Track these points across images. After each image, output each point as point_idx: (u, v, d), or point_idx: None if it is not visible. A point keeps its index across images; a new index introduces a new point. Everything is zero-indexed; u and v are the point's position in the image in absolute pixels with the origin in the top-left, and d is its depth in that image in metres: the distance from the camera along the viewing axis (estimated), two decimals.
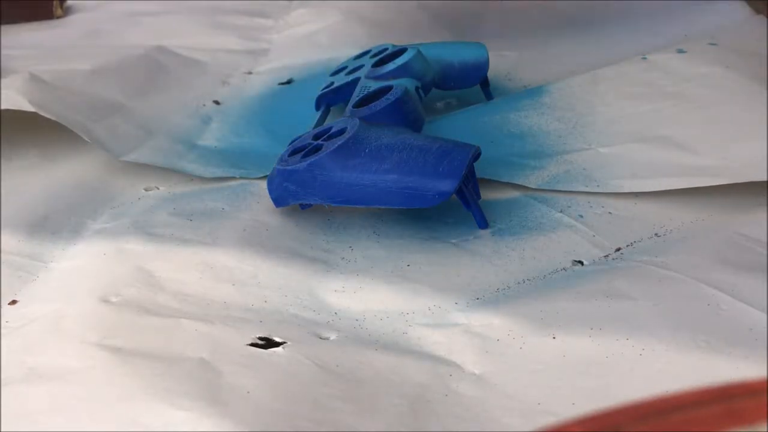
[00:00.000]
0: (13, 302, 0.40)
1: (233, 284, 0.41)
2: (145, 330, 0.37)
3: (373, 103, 0.49)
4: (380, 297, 0.39)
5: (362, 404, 0.32)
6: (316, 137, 0.46)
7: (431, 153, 0.42)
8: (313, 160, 0.43)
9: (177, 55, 0.69)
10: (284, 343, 0.36)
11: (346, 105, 0.52)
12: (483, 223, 0.44)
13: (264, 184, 0.48)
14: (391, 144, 0.43)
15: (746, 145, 0.47)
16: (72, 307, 0.39)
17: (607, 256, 0.42)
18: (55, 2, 0.83)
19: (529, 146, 0.51)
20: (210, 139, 0.57)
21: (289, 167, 0.44)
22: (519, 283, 0.40)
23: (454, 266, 0.41)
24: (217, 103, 0.62)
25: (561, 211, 0.46)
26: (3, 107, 0.52)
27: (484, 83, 0.58)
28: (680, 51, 0.60)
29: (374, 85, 0.52)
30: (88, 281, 0.41)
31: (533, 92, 0.57)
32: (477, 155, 0.44)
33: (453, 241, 0.44)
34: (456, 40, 0.62)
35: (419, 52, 0.54)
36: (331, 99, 0.57)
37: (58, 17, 0.83)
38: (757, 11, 0.68)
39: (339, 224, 0.46)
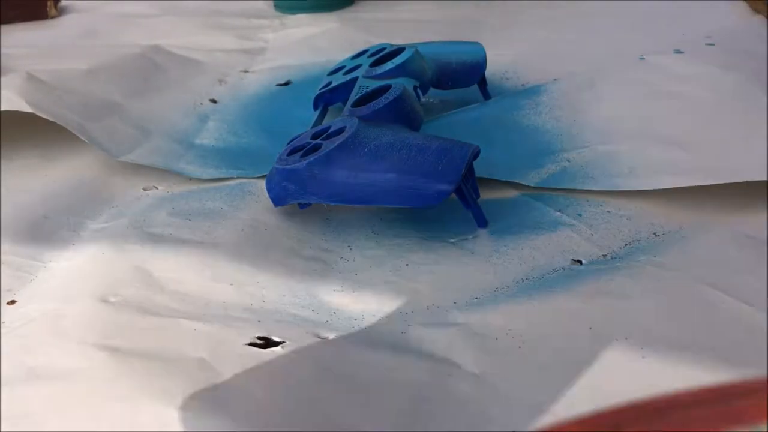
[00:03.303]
0: (12, 302, 0.40)
1: (232, 284, 0.40)
2: (144, 330, 0.37)
3: (372, 102, 0.49)
4: (379, 296, 0.39)
5: (362, 404, 0.32)
6: (315, 136, 0.46)
7: (430, 152, 0.42)
8: (312, 159, 0.43)
9: (173, 54, 0.69)
10: (283, 342, 0.36)
11: (344, 104, 0.52)
12: (482, 223, 0.44)
13: (262, 183, 0.48)
14: (391, 143, 0.43)
15: (746, 145, 0.47)
16: (71, 307, 0.39)
17: (605, 255, 0.42)
18: (49, 2, 0.83)
19: (527, 145, 0.51)
20: (208, 137, 0.57)
21: (288, 166, 0.44)
22: (518, 282, 0.40)
23: (453, 266, 0.41)
24: (213, 101, 0.62)
25: (560, 211, 0.46)
26: (2, 108, 0.52)
27: (482, 83, 0.58)
28: (678, 51, 0.60)
29: (372, 85, 0.51)
30: (87, 281, 0.41)
31: (531, 91, 0.57)
32: (476, 154, 0.44)
33: (452, 240, 0.44)
34: (454, 40, 0.62)
35: (417, 51, 0.54)
36: (328, 98, 0.57)
37: (53, 17, 0.83)
38: (757, 11, 0.68)
39: (338, 224, 0.46)
